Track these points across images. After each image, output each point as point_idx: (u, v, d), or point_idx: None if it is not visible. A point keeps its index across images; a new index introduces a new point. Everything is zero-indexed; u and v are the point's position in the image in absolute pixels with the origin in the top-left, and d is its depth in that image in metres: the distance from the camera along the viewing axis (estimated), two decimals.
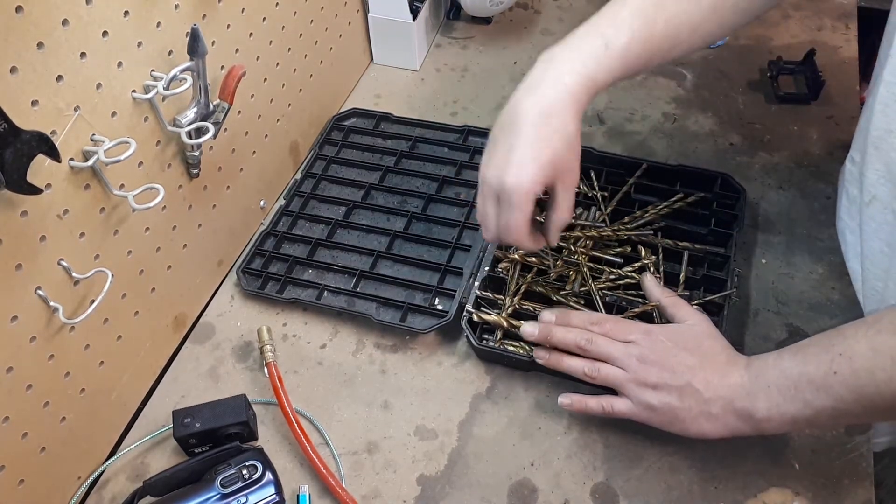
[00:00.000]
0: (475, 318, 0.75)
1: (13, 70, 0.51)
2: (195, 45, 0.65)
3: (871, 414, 0.58)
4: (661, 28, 0.64)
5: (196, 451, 0.69)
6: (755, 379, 0.59)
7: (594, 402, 0.66)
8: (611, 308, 0.75)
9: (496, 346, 0.75)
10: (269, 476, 0.63)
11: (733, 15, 0.68)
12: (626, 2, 0.64)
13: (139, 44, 0.62)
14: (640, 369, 0.63)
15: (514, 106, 0.62)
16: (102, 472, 0.70)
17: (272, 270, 0.84)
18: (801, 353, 0.58)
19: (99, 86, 0.59)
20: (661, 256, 0.79)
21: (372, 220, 0.89)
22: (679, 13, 0.65)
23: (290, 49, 0.87)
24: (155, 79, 0.64)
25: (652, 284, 0.73)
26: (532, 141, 0.60)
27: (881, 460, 0.78)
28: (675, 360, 0.63)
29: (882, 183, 0.63)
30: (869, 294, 0.70)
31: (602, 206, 0.83)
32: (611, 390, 0.66)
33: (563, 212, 0.65)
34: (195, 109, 0.69)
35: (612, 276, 0.78)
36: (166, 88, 0.64)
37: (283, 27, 0.85)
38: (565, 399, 0.68)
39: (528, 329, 0.70)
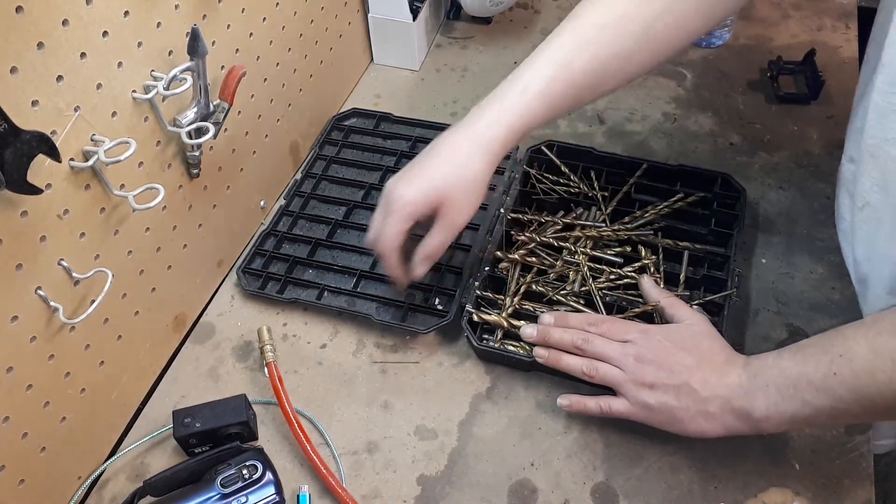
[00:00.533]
0: (475, 318, 0.75)
1: (13, 70, 0.51)
2: (195, 45, 0.65)
3: (871, 414, 0.58)
4: (584, 65, 0.64)
5: (196, 451, 0.69)
6: (754, 378, 0.59)
7: (592, 403, 0.66)
8: (611, 308, 0.76)
9: (496, 346, 0.75)
10: (269, 476, 0.63)
11: (667, 44, 0.66)
12: (550, 41, 0.66)
13: (139, 44, 0.62)
14: (637, 369, 0.64)
15: (437, 140, 0.67)
16: (102, 471, 0.70)
17: (272, 270, 0.84)
18: (800, 353, 0.58)
19: (99, 86, 0.59)
20: (661, 256, 0.79)
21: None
22: (604, 48, 0.65)
23: (290, 49, 0.87)
24: (155, 79, 0.64)
25: (650, 286, 0.73)
26: (428, 165, 0.65)
27: (884, 457, 0.78)
28: (673, 360, 0.63)
29: (875, 191, 0.63)
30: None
31: (602, 206, 0.84)
32: (610, 390, 0.66)
33: (430, 242, 0.68)
34: (195, 109, 0.69)
35: (612, 276, 0.78)
36: (166, 88, 0.64)
37: (283, 27, 0.85)
38: (564, 400, 0.68)
39: (527, 331, 0.70)
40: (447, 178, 0.64)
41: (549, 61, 0.64)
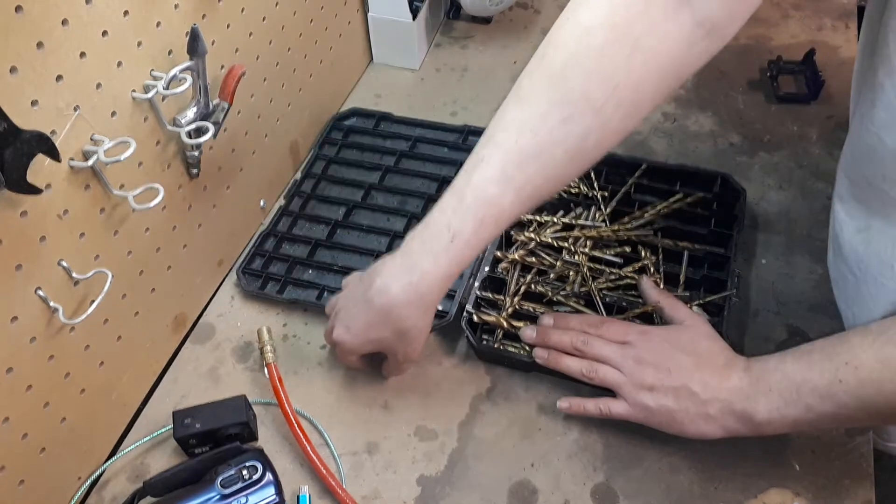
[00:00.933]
0: (475, 318, 0.75)
1: (13, 70, 0.51)
2: (195, 45, 0.65)
3: (875, 420, 0.59)
4: (513, 199, 0.60)
5: (196, 451, 0.69)
6: (756, 382, 0.59)
7: (592, 405, 0.66)
8: (611, 308, 0.75)
9: (496, 346, 0.75)
10: (269, 476, 0.63)
11: (600, 152, 0.62)
12: (471, 178, 0.60)
13: (139, 43, 0.62)
14: (635, 370, 0.64)
15: (382, 278, 0.64)
16: (102, 472, 0.70)
17: (272, 271, 0.84)
18: (804, 359, 0.58)
19: (99, 85, 0.59)
20: (660, 257, 0.79)
21: (372, 220, 0.89)
22: (535, 177, 0.59)
23: (289, 49, 0.87)
24: (155, 78, 0.64)
25: (649, 287, 0.73)
26: (369, 321, 0.65)
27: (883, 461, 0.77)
28: (672, 362, 0.63)
29: (873, 216, 0.62)
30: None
31: (602, 206, 0.83)
32: (610, 391, 0.66)
33: (389, 369, 0.73)
34: (195, 109, 0.69)
35: (612, 277, 0.78)
36: (166, 88, 0.63)
37: (283, 27, 0.85)
38: (564, 403, 0.69)
39: (527, 332, 0.71)
40: (383, 338, 0.66)
41: (475, 209, 0.60)
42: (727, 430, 0.61)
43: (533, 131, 0.58)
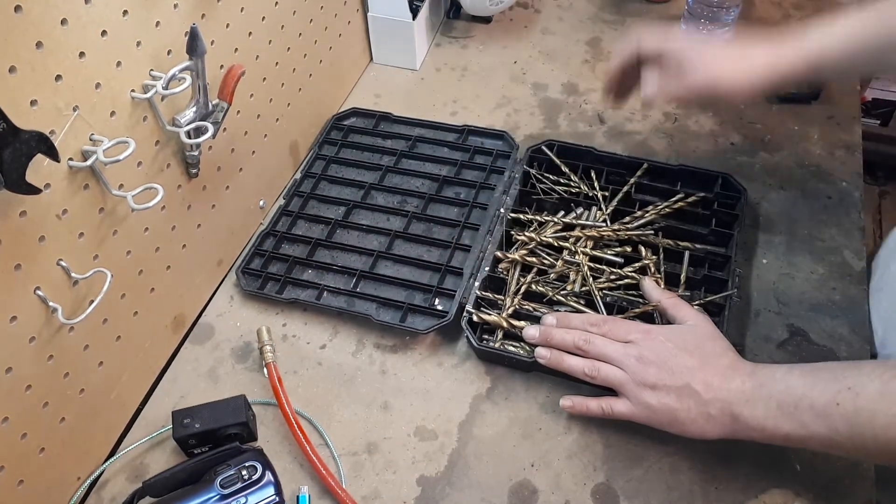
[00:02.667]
0: (475, 318, 0.75)
1: (12, 70, 0.51)
2: (194, 45, 0.65)
3: (862, 454, 0.59)
4: None
5: (196, 451, 0.69)
6: (759, 387, 0.59)
7: (594, 404, 0.66)
8: (611, 308, 0.75)
9: (496, 346, 0.75)
10: (268, 477, 0.63)
11: None
12: None
13: (138, 43, 0.62)
14: (638, 369, 0.63)
15: None
16: (102, 472, 0.70)
17: (272, 270, 0.84)
18: (811, 375, 0.57)
19: (98, 85, 0.59)
20: (661, 256, 0.79)
21: (372, 219, 0.89)
22: None
23: (289, 48, 0.87)
24: (154, 78, 0.64)
25: (651, 287, 0.73)
26: None
27: None
28: (674, 361, 0.63)
29: None
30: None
31: (603, 206, 0.83)
32: (611, 391, 0.66)
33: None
34: (194, 109, 0.68)
35: (612, 276, 0.77)
36: (165, 88, 0.63)
37: (283, 27, 0.84)
38: (566, 401, 0.68)
39: (529, 331, 0.70)
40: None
41: None
42: (725, 430, 0.60)
43: None
